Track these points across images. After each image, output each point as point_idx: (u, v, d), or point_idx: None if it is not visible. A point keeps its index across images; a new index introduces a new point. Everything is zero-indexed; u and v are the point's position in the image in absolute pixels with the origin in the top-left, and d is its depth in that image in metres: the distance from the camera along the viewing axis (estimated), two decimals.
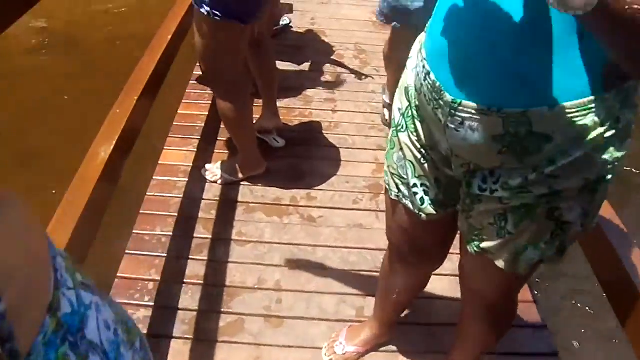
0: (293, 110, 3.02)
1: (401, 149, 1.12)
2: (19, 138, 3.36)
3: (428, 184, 1.11)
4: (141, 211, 2.29)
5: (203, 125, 2.85)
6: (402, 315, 1.75)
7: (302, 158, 2.66)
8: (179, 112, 2.96)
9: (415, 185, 1.13)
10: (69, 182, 1.48)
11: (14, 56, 4.29)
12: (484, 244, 1.05)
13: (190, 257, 2.10)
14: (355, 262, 2.11)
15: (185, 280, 2.00)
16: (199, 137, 2.76)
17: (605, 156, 0.85)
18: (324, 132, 2.86)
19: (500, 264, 1.05)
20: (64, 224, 1.34)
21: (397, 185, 1.18)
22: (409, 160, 1.11)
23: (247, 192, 2.42)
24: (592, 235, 1.34)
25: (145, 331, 1.82)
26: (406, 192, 1.16)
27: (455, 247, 1.31)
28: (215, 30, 1.95)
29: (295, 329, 1.86)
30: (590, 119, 0.80)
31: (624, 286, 1.26)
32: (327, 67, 3.47)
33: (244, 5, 1.94)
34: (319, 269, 2.07)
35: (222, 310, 1.90)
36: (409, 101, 1.07)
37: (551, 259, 1.02)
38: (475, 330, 1.40)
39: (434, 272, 1.53)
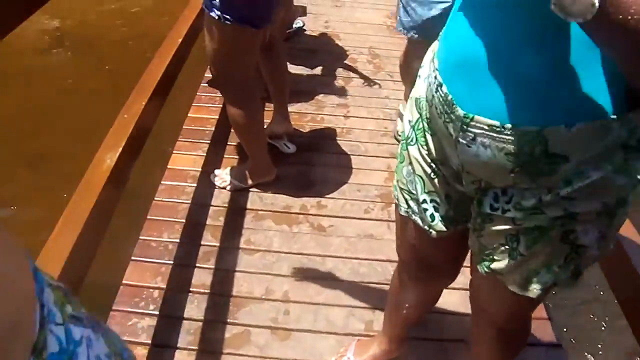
0: (305, 115, 2.98)
1: (410, 163, 1.07)
2: (29, 138, 3.36)
3: (438, 200, 1.06)
4: (148, 216, 2.26)
5: (213, 129, 2.82)
6: (412, 329, 1.70)
7: (313, 165, 2.61)
8: (189, 115, 2.93)
9: (424, 201, 1.08)
10: (78, 184, 1.47)
11: (26, 56, 4.30)
12: (495, 265, 1.00)
13: (197, 265, 2.06)
14: (365, 273, 2.06)
15: (191, 289, 1.97)
16: (209, 141, 2.73)
17: (626, 179, 0.79)
18: (335, 138, 2.82)
19: (511, 286, 1.00)
20: (69, 229, 1.33)
21: (406, 200, 1.13)
22: (419, 175, 1.06)
23: (256, 199, 2.38)
24: None
25: (149, 341, 1.79)
26: (416, 208, 1.11)
27: (468, 259, 1.26)
28: (226, 35, 1.91)
29: (302, 342, 1.81)
30: (611, 140, 0.75)
31: None
32: (340, 72, 3.43)
33: (255, 10, 1.89)
34: (328, 280, 2.02)
35: (228, 320, 1.87)
36: (419, 113, 1.02)
37: (565, 282, 0.96)
38: (486, 350, 1.34)
39: None
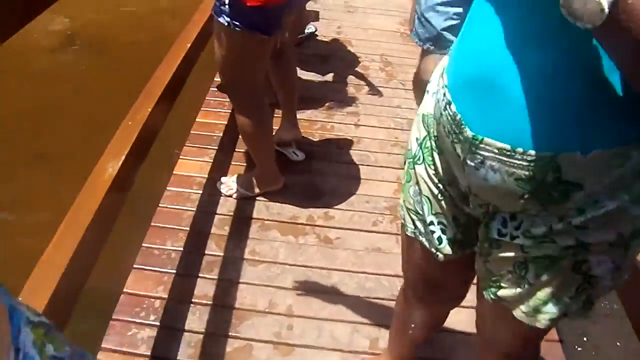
0: (315, 122, 2.94)
1: (417, 182, 1.02)
2: (36, 138, 3.34)
3: (445, 222, 1.01)
4: (152, 223, 2.23)
5: (221, 135, 2.78)
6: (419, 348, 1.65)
7: (321, 174, 2.57)
8: (197, 120, 2.90)
9: (432, 222, 1.03)
10: (82, 187, 1.46)
11: (37, 55, 4.29)
12: (502, 292, 0.94)
13: (200, 275, 2.02)
14: (372, 288, 2.00)
15: (193, 300, 1.93)
16: (216, 148, 2.69)
17: None
18: (345, 147, 2.77)
19: (518, 315, 0.94)
20: (70, 234, 1.30)
21: (413, 221, 1.08)
22: (425, 196, 1.01)
23: (262, 208, 2.34)
24: None
25: (148, 352, 1.75)
26: (422, 229, 1.06)
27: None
28: (235, 41, 1.87)
29: (305, 358, 1.77)
30: (629, 168, 0.70)
31: None
32: (352, 79, 3.38)
33: (265, 16, 1.84)
34: (333, 295, 1.97)
35: (230, 334, 1.82)
36: (427, 130, 0.97)
37: (576, 313, 0.90)
38: None
39: None
